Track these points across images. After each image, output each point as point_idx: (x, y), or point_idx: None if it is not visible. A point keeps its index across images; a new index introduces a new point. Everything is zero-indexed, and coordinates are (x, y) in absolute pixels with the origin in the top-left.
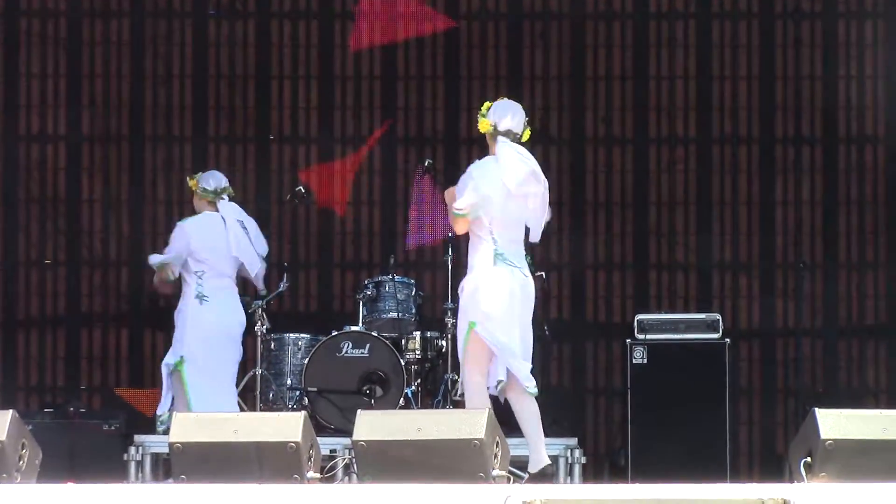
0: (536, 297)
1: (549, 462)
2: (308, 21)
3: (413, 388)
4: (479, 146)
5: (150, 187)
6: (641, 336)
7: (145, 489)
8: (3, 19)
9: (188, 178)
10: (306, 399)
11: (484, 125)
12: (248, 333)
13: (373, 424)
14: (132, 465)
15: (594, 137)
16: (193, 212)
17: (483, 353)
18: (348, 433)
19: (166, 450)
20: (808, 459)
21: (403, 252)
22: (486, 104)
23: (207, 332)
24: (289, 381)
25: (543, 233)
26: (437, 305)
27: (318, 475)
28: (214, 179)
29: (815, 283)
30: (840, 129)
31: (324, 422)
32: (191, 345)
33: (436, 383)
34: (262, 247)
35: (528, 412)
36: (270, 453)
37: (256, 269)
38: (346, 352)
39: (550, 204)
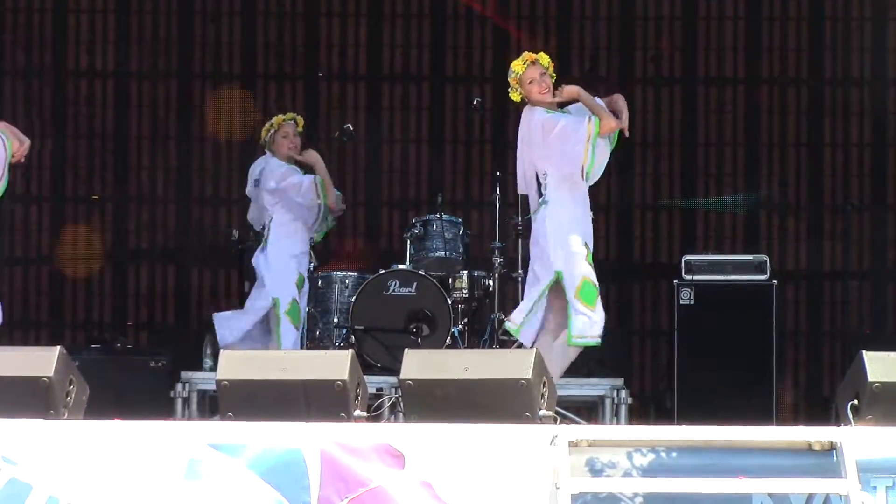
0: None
1: None
2: None
3: (459, 327)
4: None
5: (197, 124)
6: (689, 277)
7: (192, 426)
8: None
9: (298, 118)
10: (353, 337)
11: None
12: None
13: (420, 363)
14: (178, 402)
15: (643, 78)
16: (242, 150)
17: None
18: (395, 371)
19: (213, 387)
20: (856, 402)
21: (451, 190)
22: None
23: None
24: (336, 319)
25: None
26: (484, 244)
27: (364, 413)
28: None
29: (863, 224)
30: (889, 70)
31: (370, 360)
32: None
33: (482, 323)
34: None
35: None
36: (317, 391)
37: None
38: (394, 290)
39: None
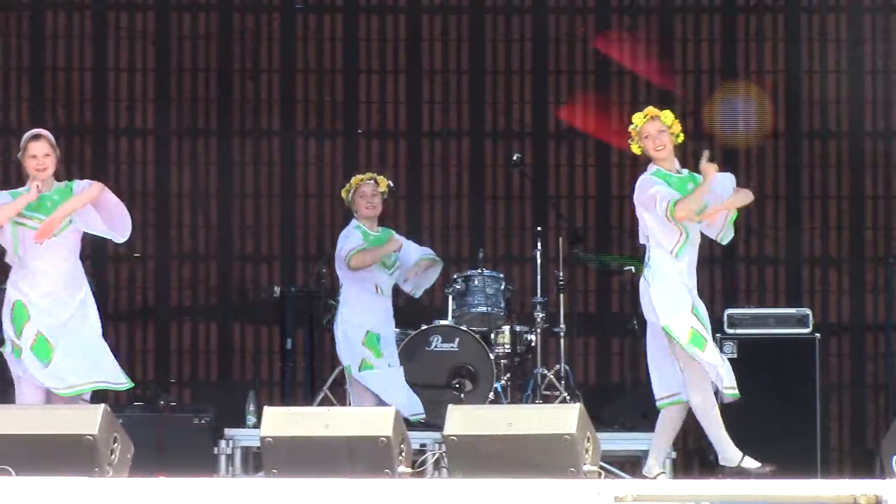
0: (627, 292)
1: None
2: (395, 15)
3: (502, 382)
4: (567, 140)
5: (238, 181)
6: (731, 331)
7: (236, 483)
8: (91, 13)
9: (379, 178)
10: None
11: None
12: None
13: (463, 419)
14: (222, 459)
15: (684, 131)
16: (284, 205)
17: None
18: (438, 427)
19: (257, 443)
20: None
21: (492, 246)
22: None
23: None
24: None
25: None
26: (526, 299)
27: (408, 470)
28: None
29: None
30: None
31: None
32: None
33: (525, 378)
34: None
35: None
36: (361, 448)
37: None
38: (436, 346)
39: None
